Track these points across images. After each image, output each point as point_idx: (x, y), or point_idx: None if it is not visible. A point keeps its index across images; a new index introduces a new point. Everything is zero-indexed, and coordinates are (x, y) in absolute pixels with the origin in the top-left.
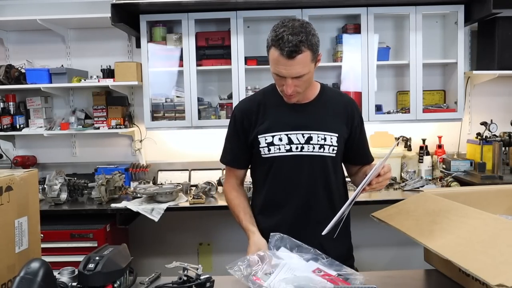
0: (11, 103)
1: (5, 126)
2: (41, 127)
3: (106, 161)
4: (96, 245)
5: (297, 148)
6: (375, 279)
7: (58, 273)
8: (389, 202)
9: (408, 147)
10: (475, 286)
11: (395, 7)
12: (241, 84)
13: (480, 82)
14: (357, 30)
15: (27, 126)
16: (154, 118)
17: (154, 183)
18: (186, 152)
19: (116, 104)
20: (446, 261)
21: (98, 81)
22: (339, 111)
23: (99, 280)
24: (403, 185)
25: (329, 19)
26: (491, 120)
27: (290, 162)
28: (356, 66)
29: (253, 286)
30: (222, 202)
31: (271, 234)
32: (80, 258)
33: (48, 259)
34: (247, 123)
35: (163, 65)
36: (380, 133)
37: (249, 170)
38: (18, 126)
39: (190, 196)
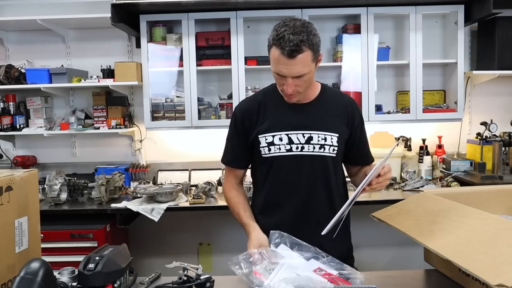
0: (11, 103)
1: (5, 126)
2: (41, 127)
3: (106, 161)
4: (96, 245)
5: (297, 148)
6: (375, 279)
7: (58, 273)
8: (389, 202)
9: (408, 147)
10: (475, 286)
11: (395, 7)
12: (241, 84)
13: (480, 82)
14: (357, 30)
15: (27, 126)
16: (154, 118)
17: (154, 183)
18: (186, 152)
19: (116, 104)
20: (446, 261)
21: (98, 81)
22: (340, 111)
23: (99, 280)
24: (403, 185)
25: (329, 19)
26: (491, 120)
27: (290, 162)
28: (356, 66)
29: (254, 281)
30: (222, 202)
31: (271, 232)
32: (80, 258)
33: (48, 259)
34: (247, 123)
35: (163, 65)
36: (380, 133)
37: (249, 170)
38: (18, 126)
39: (190, 196)
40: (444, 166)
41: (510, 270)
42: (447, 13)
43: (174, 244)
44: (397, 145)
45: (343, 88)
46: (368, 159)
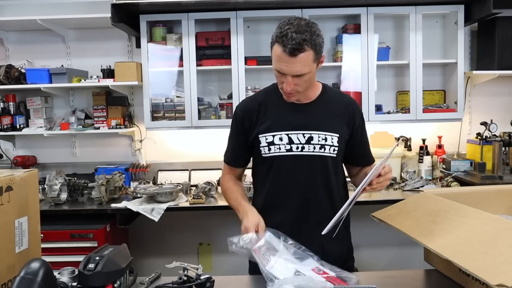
0: (11, 103)
1: (5, 126)
2: (41, 127)
3: (106, 161)
4: (96, 245)
5: (297, 148)
6: (375, 279)
7: (58, 273)
8: (389, 202)
9: (408, 147)
10: (475, 286)
11: (395, 7)
12: (241, 84)
13: (480, 82)
14: (357, 30)
15: (27, 126)
16: (154, 118)
17: (154, 183)
18: (186, 152)
19: (116, 104)
20: (446, 261)
21: (98, 81)
22: (340, 112)
23: (99, 280)
24: (403, 185)
25: (329, 19)
26: (491, 120)
27: (290, 162)
28: (356, 66)
29: (255, 257)
30: (222, 202)
31: (266, 228)
32: (80, 258)
33: (48, 259)
34: (247, 123)
35: (163, 65)
36: (380, 133)
37: (250, 171)
38: (18, 126)
39: (190, 196)
40: (444, 166)
41: (510, 270)
42: (447, 13)
43: (174, 244)
44: (397, 145)
45: (343, 88)
46: (369, 160)
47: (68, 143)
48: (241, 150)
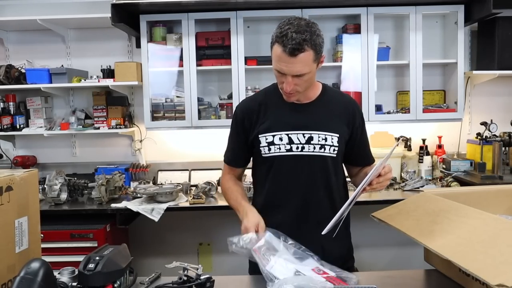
0: (11, 103)
1: (5, 126)
2: (41, 127)
3: (106, 161)
4: (96, 245)
5: (297, 148)
6: (375, 279)
7: (58, 273)
8: (389, 202)
9: (408, 147)
10: (475, 286)
11: (395, 7)
12: (241, 84)
13: (480, 82)
14: (357, 30)
15: (27, 126)
16: (154, 118)
17: (154, 183)
18: (186, 152)
19: (116, 104)
20: (446, 261)
21: (98, 81)
22: (341, 112)
23: (99, 280)
24: (403, 185)
25: (329, 19)
26: (491, 120)
27: (290, 162)
28: (356, 66)
29: (255, 257)
30: (222, 202)
31: (266, 228)
32: (80, 258)
33: (48, 259)
34: (247, 123)
35: (163, 65)
36: (380, 133)
37: (250, 171)
38: (18, 126)
39: (190, 196)
40: (444, 166)
41: (510, 270)
42: (447, 13)
43: (174, 244)
44: (397, 145)
45: (343, 88)
46: (369, 160)
47: (68, 143)
48: (241, 150)
